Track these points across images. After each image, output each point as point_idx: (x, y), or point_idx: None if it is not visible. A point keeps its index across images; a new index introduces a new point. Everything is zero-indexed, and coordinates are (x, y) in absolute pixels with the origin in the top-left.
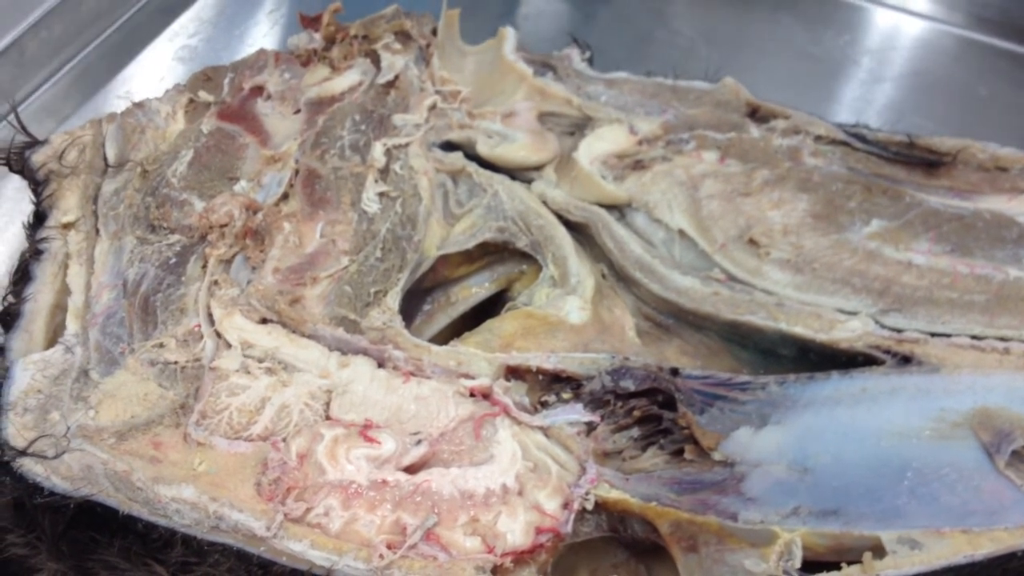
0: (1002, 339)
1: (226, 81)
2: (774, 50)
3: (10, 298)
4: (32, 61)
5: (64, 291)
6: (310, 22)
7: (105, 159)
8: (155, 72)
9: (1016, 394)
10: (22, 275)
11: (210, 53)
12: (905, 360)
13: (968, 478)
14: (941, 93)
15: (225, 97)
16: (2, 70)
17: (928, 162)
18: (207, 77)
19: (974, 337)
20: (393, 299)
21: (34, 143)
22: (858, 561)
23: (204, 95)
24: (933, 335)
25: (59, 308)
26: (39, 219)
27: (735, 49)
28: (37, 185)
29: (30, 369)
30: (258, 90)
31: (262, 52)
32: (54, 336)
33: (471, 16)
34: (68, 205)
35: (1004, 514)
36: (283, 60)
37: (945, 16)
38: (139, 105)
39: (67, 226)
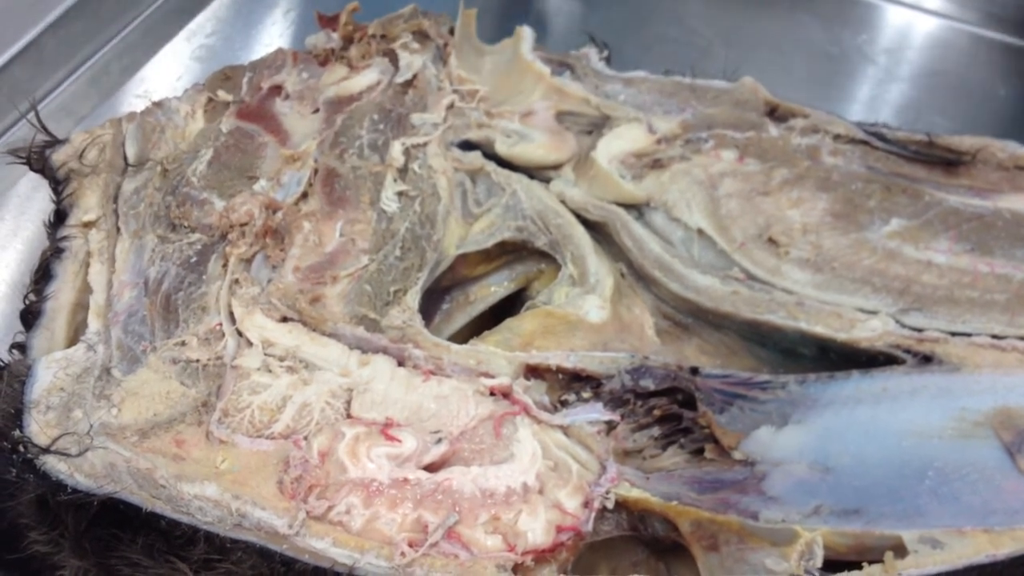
0: (1023, 338)
1: (245, 80)
2: (791, 49)
3: (31, 296)
4: (50, 60)
5: (85, 289)
6: (328, 22)
7: (125, 158)
8: (173, 71)
9: None
10: (43, 273)
11: (227, 52)
12: (926, 359)
13: (989, 477)
14: (959, 92)
15: (244, 96)
16: (20, 69)
17: (948, 161)
18: (226, 76)
19: (995, 336)
20: (412, 298)
21: (54, 142)
22: (879, 560)
23: (223, 94)
24: (954, 334)
25: (80, 307)
26: (60, 218)
27: (752, 48)
28: (57, 184)
29: (52, 367)
30: (277, 89)
31: (280, 52)
32: (75, 334)
33: (486, 15)
34: (89, 204)
35: None
36: (301, 59)
37: (961, 15)
38: (158, 104)
39: (88, 225)
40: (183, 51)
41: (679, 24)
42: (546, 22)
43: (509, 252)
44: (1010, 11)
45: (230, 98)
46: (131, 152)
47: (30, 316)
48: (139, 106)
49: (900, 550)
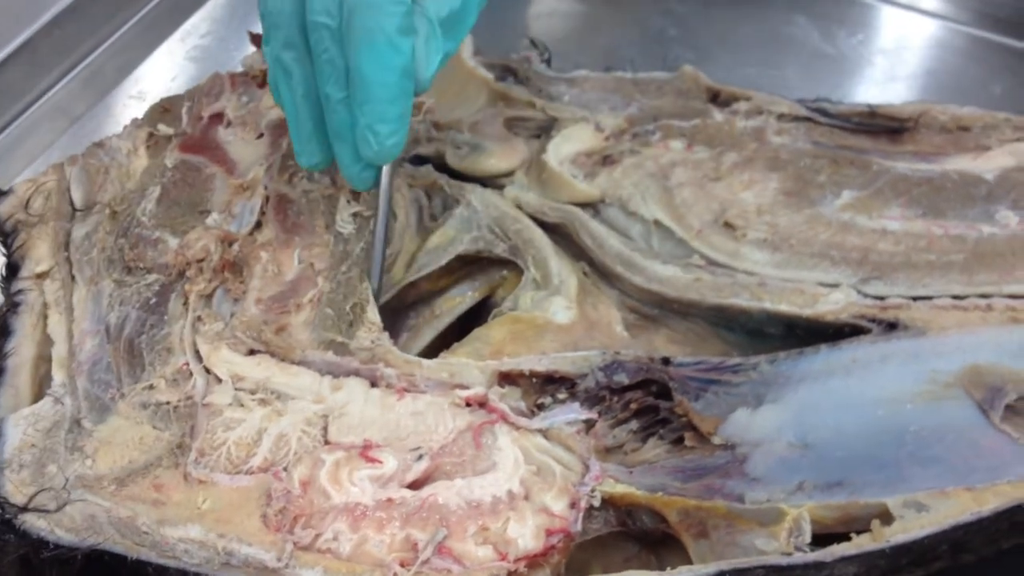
0: (983, 296)
1: (184, 111)
2: (787, 49)
3: None
4: (44, 61)
5: (45, 342)
6: (260, 40)
7: (72, 203)
8: (167, 72)
9: (1003, 349)
10: (1, 330)
11: (222, 52)
12: (891, 326)
13: (966, 436)
14: (955, 92)
15: (185, 128)
16: (14, 70)
17: (891, 129)
18: (164, 109)
19: (955, 297)
20: (372, 312)
21: None
22: (867, 530)
23: (163, 128)
24: (915, 299)
25: (42, 359)
26: (12, 271)
27: (749, 48)
28: (6, 237)
29: (21, 424)
30: (218, 117)
31: (217, 77)
32: (39, 388)
33: (482, 16)
34: (40, 254)
35: (1005, 468)
36: (239, 83)
37: (956, 15)
38: (99, 145)
39: (41, 276)
40: (178, 52)
41: (677, 24)
42: (541, 22)
43: (470, 263)
44: (1005, 11)
45: (171, 131)
46: (77, 197)
47: None
48: (134, 107)
49: (886, 517)
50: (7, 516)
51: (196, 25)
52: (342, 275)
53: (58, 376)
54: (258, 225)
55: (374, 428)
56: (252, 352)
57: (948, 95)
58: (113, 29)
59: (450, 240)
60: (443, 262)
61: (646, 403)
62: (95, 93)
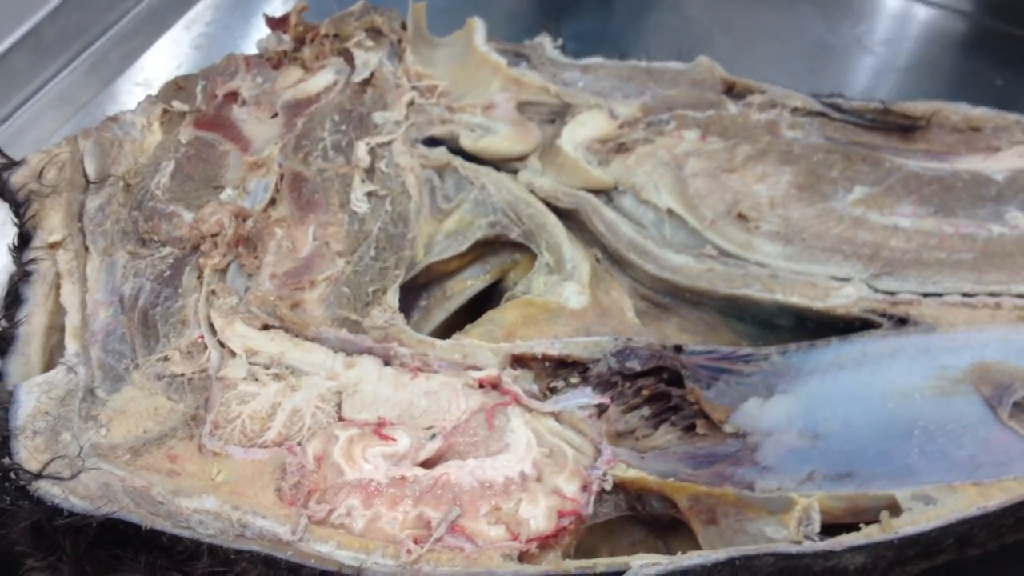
0: (992, 294)
1: (198, 89)
2: (790, 39)
3: (3, 323)
4: (49, 49)
5: (57, 312)
6: (277, 23)
7: (85, 175)
8: (172, 59)
9: (1012, 347)
10: (13, 299)
11: (227, 40)
12: (901, 322)
13: (974, 432)
14: (957, 83)
15: (199, 105)
16: (19, 57)
17: (903, 127)
18: (178, 86)
19: (965, 295)
20: (392, 296)
21: (10, 164)
22: (875, 521)
23: (178, 105)
24: (926, 295)
25: (54, 329)
26: (24, 240)
27: (751, 38)
28: (18, 206)
29: (35, 392)
30: (232, 96)
31: (232, 57)
32: (51, 357)
33: (488, 5)
34: (53, 224)
35: (1012, 464)
36: (254, 64)
37: (958, 4)
38: (113, 119)
39: (54, 246)
40: (182, 39)
41: (678, 13)
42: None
43: (482, 244)
44: (1007, 0)
45: (186, 108)
46: (91, 169)
47: (3, 342)
48: (139, 95)
49: (894, 509)
50: (21, 482)
51: (200, 13)
52: (370, 259)
53: (72, 345)
54: (272, 202)
55: (387, 406)
56: (266, 327)
57: (950, 85)
58: (117, 17)
59: (468, 225)
60: (464, 248)
61: (658, 390)
62: (100, 81)
